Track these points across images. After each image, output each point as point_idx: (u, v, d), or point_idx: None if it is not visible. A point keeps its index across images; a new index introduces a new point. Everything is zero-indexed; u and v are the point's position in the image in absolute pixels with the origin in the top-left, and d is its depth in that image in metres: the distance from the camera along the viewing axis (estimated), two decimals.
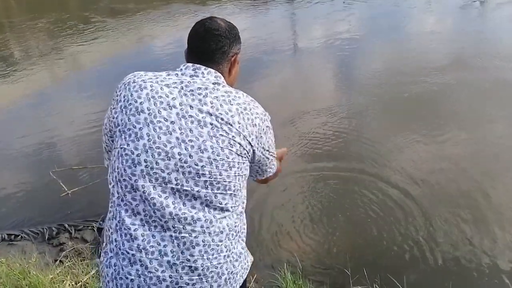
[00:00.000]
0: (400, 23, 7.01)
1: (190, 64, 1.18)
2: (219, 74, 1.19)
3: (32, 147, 4.45)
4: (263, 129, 1.21)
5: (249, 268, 1.26)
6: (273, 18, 8.10)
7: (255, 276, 2.58)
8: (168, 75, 1.17)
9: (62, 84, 6.29)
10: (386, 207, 3.04)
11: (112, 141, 1.18)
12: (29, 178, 3.96)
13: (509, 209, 2.91)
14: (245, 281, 1.28)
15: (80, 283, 2.52)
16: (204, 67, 1.17)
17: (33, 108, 5.45)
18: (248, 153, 1.18)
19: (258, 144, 1.20)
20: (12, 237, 3.17)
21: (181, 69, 1.18)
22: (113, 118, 1.15)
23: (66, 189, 3.61)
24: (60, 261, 2.83)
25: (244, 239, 1.25)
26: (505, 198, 3.02)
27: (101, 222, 3.11)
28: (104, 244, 1.19)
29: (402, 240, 2.76)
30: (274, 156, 1.34)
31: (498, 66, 4.96)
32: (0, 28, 9.67)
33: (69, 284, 2.49)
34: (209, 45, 1.18)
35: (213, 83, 1.15)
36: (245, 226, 1.27)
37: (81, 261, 2.74)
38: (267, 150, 1.28)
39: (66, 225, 3.20)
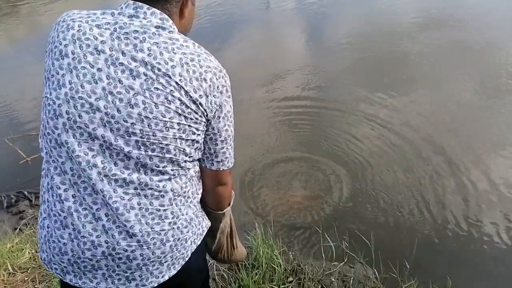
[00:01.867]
0: None
1: (131, 2, 0.97)
2: (166, 17, 0.97)
3: None
4: (218, 88, 0.99)
5: (204, 234, 1.15)
6: None
7: None
8: (103, 13, 0.97)
9: (19, 47, 5.90)
10: (357, 160, 3.05)
11: None
12: None
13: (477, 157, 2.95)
14: (202, 245, 1.18)
15: None
16: (147, 6, 0.96)
17: None
18: (195, 113, 0.97)
19: (210, 105, 0.99)
20: None
21: (121, 7, 0.98)
22: (45, 63, 0.99)
23: (25, 156, 3.42)
24: (20, 229, 2.69)
25: (197, 204, 1.13)
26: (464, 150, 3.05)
27: None
28: (40, 204, 1.08)
29: (373, 197, 2.76)
30: (231, 144, 1.11)
31: (465, 26, 4.96)
32: None
33: (28, 252, 2.36)
34: None
35: (155, 27, 0.95)
36: (200, 191, 1.13)
37: None
38: (225, 120, 1.04)
39: (26, 193, 3.04)
